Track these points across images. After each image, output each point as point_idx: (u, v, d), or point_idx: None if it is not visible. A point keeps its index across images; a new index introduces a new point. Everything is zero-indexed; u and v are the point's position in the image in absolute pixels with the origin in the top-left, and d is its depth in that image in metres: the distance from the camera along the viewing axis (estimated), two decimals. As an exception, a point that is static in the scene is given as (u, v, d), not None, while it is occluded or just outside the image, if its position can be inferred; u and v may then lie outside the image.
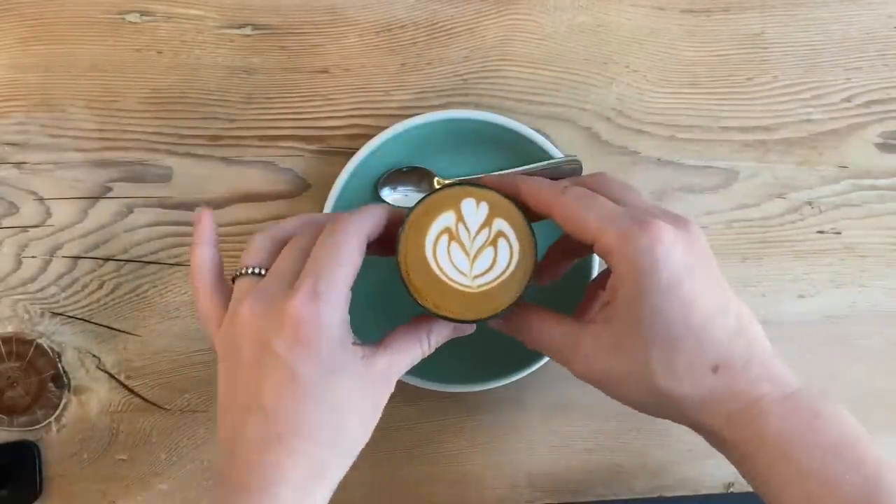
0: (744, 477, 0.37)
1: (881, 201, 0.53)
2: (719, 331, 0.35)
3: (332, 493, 0.37)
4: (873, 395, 0.54)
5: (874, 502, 0.33)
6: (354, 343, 0.37)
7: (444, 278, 0.38)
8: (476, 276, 0.38)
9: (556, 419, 0.52)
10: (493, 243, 0.39)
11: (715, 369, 0.35)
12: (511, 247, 0.38)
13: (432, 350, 0.41)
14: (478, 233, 0.39)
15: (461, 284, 0.38)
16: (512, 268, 0.38)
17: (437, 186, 0.49)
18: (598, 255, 0.37)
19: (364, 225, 0.38)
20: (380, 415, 0.39)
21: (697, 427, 0.37)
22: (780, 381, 0.36)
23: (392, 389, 0.39)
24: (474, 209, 0.39)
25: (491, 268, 0.38)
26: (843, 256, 0.53)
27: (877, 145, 0.53)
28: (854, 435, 0.35)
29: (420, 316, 0.41)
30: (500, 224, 0.39)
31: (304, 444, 0.36)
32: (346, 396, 0.36)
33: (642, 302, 0.35)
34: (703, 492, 0.53)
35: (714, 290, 0.36)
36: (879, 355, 0.53)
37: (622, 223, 0.35)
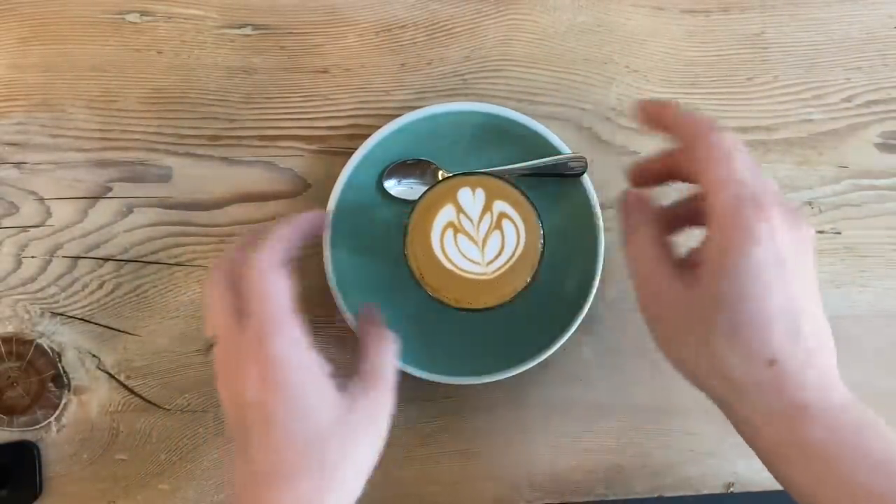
0: (774, 476, 0.37)
1: (881, 201, 0.53)
2: (789, 327, 0.34)
3: None
4: (873, 395, 0.53)
5: None
6: (332, 374, 0.37)
7: (458, 272, 0.38)
8: (490, 262, 0.38)
9: (556, 419, 0.52)
10: (499, 226, 0.38)
11: (772, 363, 0.34)
12: (516, 224, 0.38)
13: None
14: (480, 219, 0.39)
15: (477, 274, 0.38)
16: (522, 244, 0.38)
17: (440, 179, 0.49)
18: (705, 208, 0.35)
19: (274, 250, 0.37)
20: (381, 432, 0.38)
21: (734, 411, 0.36)
22: (831, 392, 0.35)
23: (388, 405, 0.39)
24: (471, 197, 0.39)
25: (502, 250, 0.38)
26: (843, 256, 0.53)
27: (877, 145, 0.53)
28: None
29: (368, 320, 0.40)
30: (500, 206, 0.39)
31: (290, 484, 0.35)
32: (323, 427, 0.36)
33: (726, 272, 0.34)
34: (704, 492, 0.53)
35: (798, 290, 0.35)
36: (879, 355, 0.53)
37: (743, 190, 0.34)
